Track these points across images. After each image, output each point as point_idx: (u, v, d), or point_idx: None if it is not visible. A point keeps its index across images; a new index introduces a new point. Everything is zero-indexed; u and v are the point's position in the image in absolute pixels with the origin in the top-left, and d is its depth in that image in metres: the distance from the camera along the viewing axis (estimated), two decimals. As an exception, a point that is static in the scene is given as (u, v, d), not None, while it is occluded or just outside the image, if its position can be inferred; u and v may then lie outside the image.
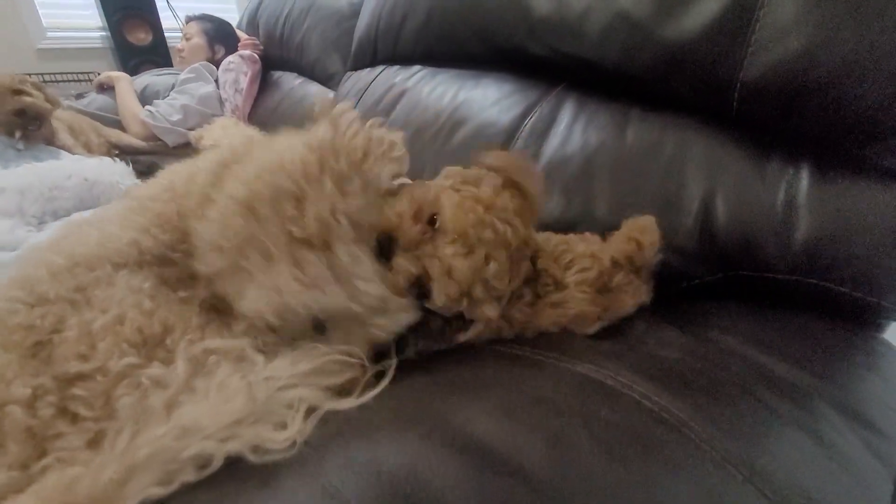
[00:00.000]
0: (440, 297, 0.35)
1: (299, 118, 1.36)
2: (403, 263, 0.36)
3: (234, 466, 0.25)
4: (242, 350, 0.31)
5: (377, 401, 0.29)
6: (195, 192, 0.42)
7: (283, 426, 0.26)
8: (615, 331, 0.41)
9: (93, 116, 1.52)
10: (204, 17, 1.79)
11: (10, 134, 1.13)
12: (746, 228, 0.52)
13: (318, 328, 0.35)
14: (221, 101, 1.68)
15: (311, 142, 0.38)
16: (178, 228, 0.42)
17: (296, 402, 0.27)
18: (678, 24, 0.57)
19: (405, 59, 1.04)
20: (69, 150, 1.25)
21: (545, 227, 0.64)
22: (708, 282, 0.53)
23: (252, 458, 0.25)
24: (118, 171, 0.95)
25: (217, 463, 0.25)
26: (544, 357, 0.36)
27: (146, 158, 1.39)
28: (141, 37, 2.31)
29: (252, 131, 1.48)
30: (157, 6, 2.39)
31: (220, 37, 1.76)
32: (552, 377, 0.33)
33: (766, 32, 0.50)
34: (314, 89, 1.44)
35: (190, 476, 0.25)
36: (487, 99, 0.80)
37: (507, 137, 0.74)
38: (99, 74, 1.75)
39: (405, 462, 0.25)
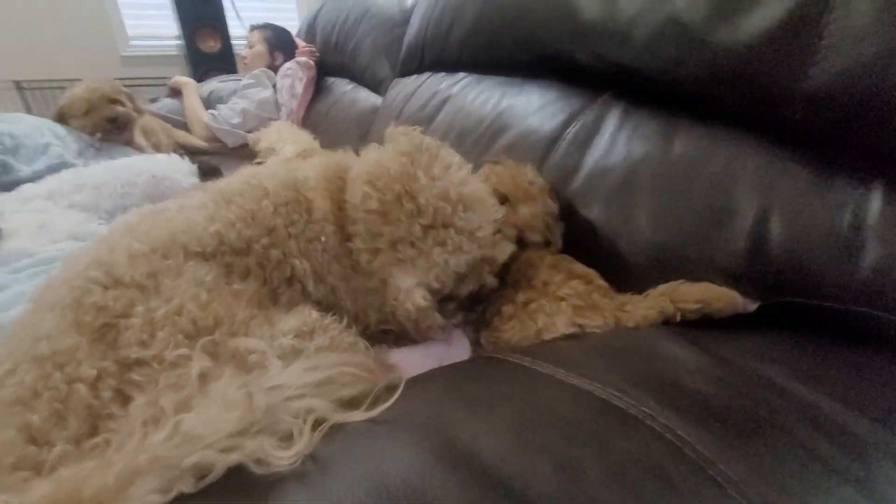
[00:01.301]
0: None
1: (348, 123, 1.39)
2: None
3: (236, 478, 0.25)
4: (263, 353, 0.32)
5: (386, 413, 0.28)
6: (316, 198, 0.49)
7: (289, 438, 0.26)
8: (643, 353, 0.39)
9: (163, 118, 1.65)
10: (266, 27, 1.89)
11: (94, 133, 1.25)
12: (804, 252, 0.47)
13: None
14: (278, 106, 1.76)
15: (400, 149, 0.49)
16: (264, 226, 0.44)
17: (303, 414, 0.27)
18: (735, 30, 0.53)
19: (451, 66, 1.05)
20: (141, 150, 1.36)
21: (583, 233, 0.62)
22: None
23: (256, 469, 0.25)
24: (182, 169, 1.02)
25: (217, 473, 0.25)
26: (565, 376, 0.35)
27: (207, 158, 1.48)
28: (211, 44, 2.48)
29: (304, 135, 1.55)
30: (227, 16, 2.55)
31: (279, 44, 1.85)
32: (569, 398, 0.32)
33: (837, 38, 0.45)
34: (363, 95, 1.48)
35: (188, 486, 0.25)
36: (530, 106, 0.79)
37: (549, 145, 0.72)
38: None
39: (409, 480, 0.24)
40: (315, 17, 1.92)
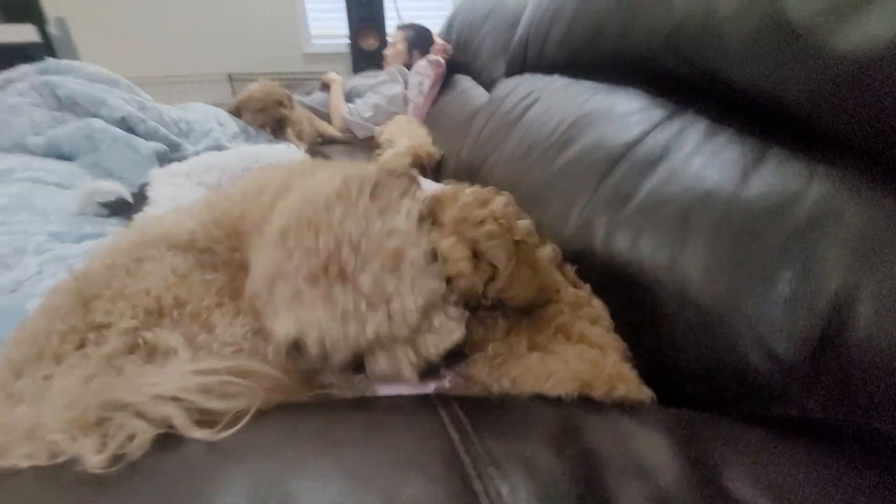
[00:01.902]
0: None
1: (459, 121, 1.42)
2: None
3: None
4: (173, 346, 0.36)
5: (230, 439, 0.29)
6: (259, 206, 0.49)
7: (104, 440, 0.27)
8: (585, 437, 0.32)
9: (311, 109, 1.89)
10: (409, 27, 2.01)
11: (263, 128, 1.51)
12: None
13: (358, 367, 0.38)
14: (407, 101, 1.87)
15: (347, 174, 0.40)
16: (233, 229, 0.49)
17: (149, 420, 0.29)
18: (855, 33, 0.39)
19: (548, 68, 0.98)
20: (285, 139, 1.59)
21: (617, 271, 0.53)
22: (794, 417, 0.36)
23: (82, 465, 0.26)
24: (293, 157, 1.16)
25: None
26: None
27: (322, 149, 1.65)
28: (371, 42, 2.74)
29: (420, 130, 1.63)
30: (387, 17, 2.78)
31: (418, 43, 1.96)
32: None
33: None
34: (478, 94, 1.48)
35: None
36: (608, 116, 0.69)
37: (609, 165, 0.62)
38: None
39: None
40: (454, 16, 1.97)
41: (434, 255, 0.40)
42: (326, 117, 1.93)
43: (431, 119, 1.78)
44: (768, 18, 0.46)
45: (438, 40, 2.00)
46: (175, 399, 0.29)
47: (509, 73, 1.20)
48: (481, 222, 0.42)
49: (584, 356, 0.43)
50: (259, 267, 0.39)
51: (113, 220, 0.88)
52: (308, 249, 0.35)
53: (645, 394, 0.45)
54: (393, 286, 0.36)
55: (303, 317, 0.35)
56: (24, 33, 2.42)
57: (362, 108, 1.83)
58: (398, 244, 0.37)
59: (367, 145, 1.74)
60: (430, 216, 0.43)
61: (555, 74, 0.94)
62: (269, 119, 1.51)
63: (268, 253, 0.38)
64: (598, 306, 0.54)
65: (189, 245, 0.47)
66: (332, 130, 1.85)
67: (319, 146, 1.77)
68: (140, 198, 0.93)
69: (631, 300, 0.52)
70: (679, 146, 0.56)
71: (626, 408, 0.37)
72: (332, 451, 0.28)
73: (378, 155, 1.53)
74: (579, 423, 0.36)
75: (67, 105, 1.07)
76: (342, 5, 2.81)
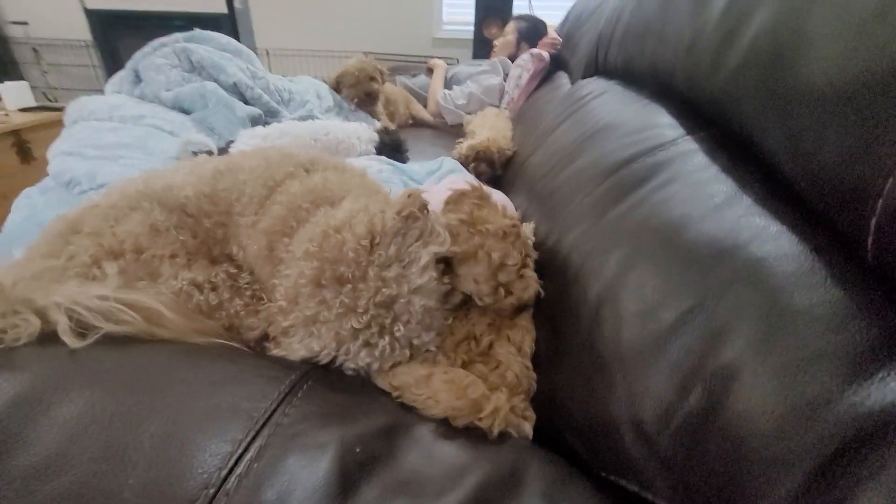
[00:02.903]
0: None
1: (539, 119, 1.39)
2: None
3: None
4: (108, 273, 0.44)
5: (96, 354, 0.36)
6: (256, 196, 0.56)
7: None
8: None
9: (411, 91, 1.98)
10: (523, 18, 1.98)
11: (353, 101, 1.65)
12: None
13: None
14: (502, 93, 1.85)
15: (372, 220, 0.44)
16: (226, 208, 0.55)
17: (31, 317, 0.37)
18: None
19: (609, 73, 0.91)
20: (376, 117, 1.70)
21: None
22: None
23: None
24: (363, 137, 1.25)
25: None
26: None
27: (395, 131, 1.69)
28: (493, 31, 2.74)
29: (505, 124, 1.61)
30: (518, 6, 2.75)
31: (528, 35, 1.91)
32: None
33: None
34: (562, 94, 1.41)
35: None
36: (619, 131, 0.63)
37: (597, 182, 0.57)
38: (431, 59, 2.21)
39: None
40: (572, 8, 1.88)
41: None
42: (426, 101, 2.01)
43: (522, 113, 1.74)
44: (751, 46, 0.38)
45: (552, 34, 1.93)
46: (68, 309, 0.37)
47: (585, 75, 1.13)
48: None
49: (459, 386, 0.42)
50: (298, 310, 0.44)
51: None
52: (347, 307, 0.41)
53: (522, 430, 0.43)
54: (418, 333, 0.43)
55: (342, 357, 0.42)
56: (215, 5, 2.94)
57: (457, 95, 1.86)
58: (424, 304, 0.43)
59: (456, 132, 1.78)
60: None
61: (614, 80, 0.87)
62: (360, 93, 1.62)
63: (304, 298, 0.43)
64: (525, 326, 0.51)
65: (177, 208, 0.54)
66: (425, 114, 1.92)
67: (410, 127, 1.86)
68: (223, 152, 1.10)
69: (567, 323, 0.48)
70: (665, 171, 0.49)
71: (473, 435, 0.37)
72: (164, 387, 0.33)
73: (459, 143, 1.56)
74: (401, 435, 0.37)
75: (197, 68, 1.30)
76: (474, -8, 2.85)
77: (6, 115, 2.14)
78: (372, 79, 1.64)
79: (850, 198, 0.28)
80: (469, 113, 1.81)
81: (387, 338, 0.42)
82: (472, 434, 0.40)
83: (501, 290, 0.50)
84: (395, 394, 0.43)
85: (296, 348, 0.43)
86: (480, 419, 0.40)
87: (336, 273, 0.42)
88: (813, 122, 0.32)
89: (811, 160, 0.32)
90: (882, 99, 0.26)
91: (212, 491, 0.28)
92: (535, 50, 1.79)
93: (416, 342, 0.44)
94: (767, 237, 0.34)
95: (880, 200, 0.26)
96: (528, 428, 0.43)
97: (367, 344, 0.42)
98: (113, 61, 3.00)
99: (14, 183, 0.96)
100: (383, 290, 0.41)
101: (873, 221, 0.26)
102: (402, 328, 0.42)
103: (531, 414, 0.45)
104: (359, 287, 0.41)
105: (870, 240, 0.27)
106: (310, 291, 0.43)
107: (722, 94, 0.44)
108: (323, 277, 0.42)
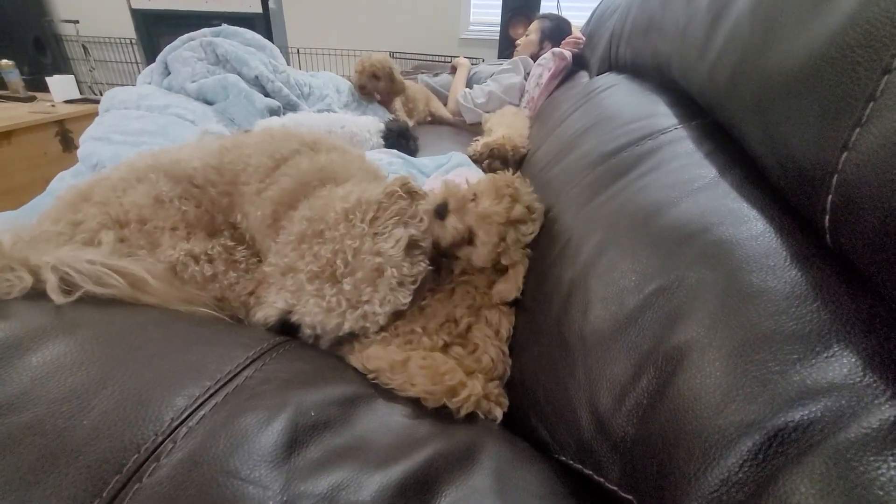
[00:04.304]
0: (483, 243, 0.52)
1: (554, 116, 1.38)
2: (454, 221, 0.54)
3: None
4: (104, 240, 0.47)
5: (79, 311, 0.38)
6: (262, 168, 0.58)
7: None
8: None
9: (433, 90, 2.00)
10: (547, 17, 1.96)
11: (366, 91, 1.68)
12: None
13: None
14: (523, 92, 1.84)
15: (360, 196, 0.49)
16: (232, 178, 0.58)
17: (25, 274, 0.39)
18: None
19: (620, 67, 0.89)
20: (394, 112, 1.72)
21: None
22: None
23: None
24: (372, 129, 1.27)
25: None
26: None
27: (402, 121, 1.70)
28: (519, 32, 2.72)
29: (522, 122, 1.60)
30: (546, 7, 2.73)
31: (551, 35, 1.90)
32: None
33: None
34: (578, 91, 1.39)
35: None
36: (614, 121, 0.62)
37: (586, 172, 0.56)
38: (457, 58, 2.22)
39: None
40: (597, 8, 1.86)
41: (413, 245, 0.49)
42: (447, 100, 2.02)
43: (541, 111, 1.73)
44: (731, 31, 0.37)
45: (576, 33, 1.91)
46: (57, 269, 0.40)
47: (600, 71, 1.11)
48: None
49: (436, 373, 0.42)
50: (279, 260, 0.49)
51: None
52: (314, 255, 0.46)
53: (492, 415, 0.42)
54: (368, 295, 0.45)
55: (300, 308, 0.45)
56: (251, 5, 3.05)
57: (477, 93, 1.86)
58: (380, 263, 0.45)
59: (474, 131, 1.78)
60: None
61: (623, 74, 0.86)
62: (379, 88, 1.64)
63: (287, 250, 0.49)
64: (504, 311, 0.51)
65: (184, 178, 0.57)
66: (445, 112, 1.93)
67: (429, 124, 1.88)
68: (240, 141, 1.13)
69: (540, 309, 0.48)
70: (652, 159, 0.48)
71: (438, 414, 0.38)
72: (135, 343, 0.35)
73: (475, 140, 1.56)
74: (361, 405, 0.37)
75: (221, 61, 1.35)
76: (502, -7, 2.84)
77: (52, 105, 2.27)
78: (375, 76, 1.66)
79: (810, 177, 0.27)
80: (488, 111, 1.80)
81: (335, 288, 0.45)
82: (437, 412, 0.40)
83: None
84: (370, 376, 0.43)
85: (272, 300, 0.46)
86: (452, 401, 0.40)
87: (315, 230, 0.46)
88: (781, 105, 0.31)
89: (779, 144, 0.31)
90: (839, 76, 0.25)
91: (160, 438, 0.29)
92: (556, 49, 1.78)
93: (366, 308, 0.46)
94: (735, 220, 0.33)
95: (836, 176, 0.25)
96: (498, 413, 0.43)
97: (318, 293, 0.45)
98: (154, 58, 3.15)
99: (56, 169, 1.03)
100: (346, 241, 0.45)
101: (829, 199, 0.25)
102: (351, 282, 0.45)
103: (505, 400, 0.45)
104: (327, 238, 0.46)
105: (826, 219, 0.26)
106: (293, 246, 0.47)
107: (706, 82, 0.43)
108: (305, 235, 0.47)
